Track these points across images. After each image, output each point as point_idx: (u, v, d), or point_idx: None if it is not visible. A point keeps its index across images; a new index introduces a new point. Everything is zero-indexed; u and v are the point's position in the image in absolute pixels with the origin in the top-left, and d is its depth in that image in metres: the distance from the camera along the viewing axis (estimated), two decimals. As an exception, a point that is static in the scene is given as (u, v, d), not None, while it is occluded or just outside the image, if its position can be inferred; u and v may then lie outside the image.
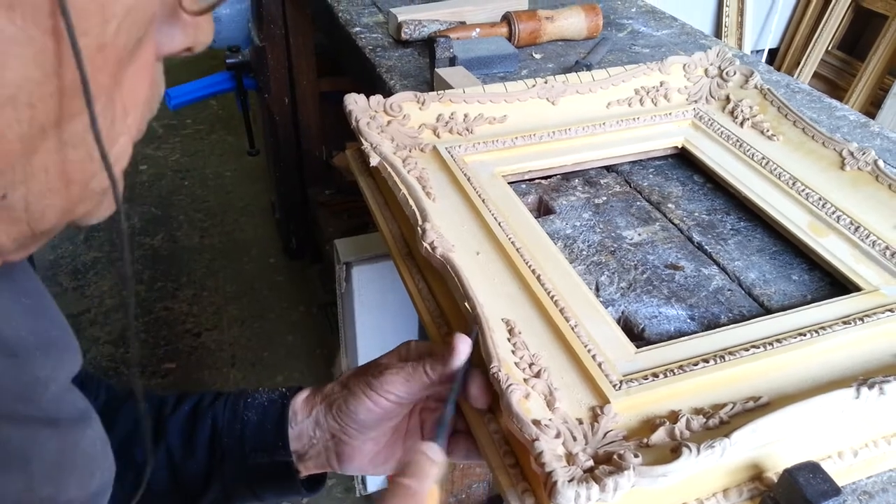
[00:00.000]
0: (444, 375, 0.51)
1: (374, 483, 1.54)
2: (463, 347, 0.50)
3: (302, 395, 0.58)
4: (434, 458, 0.45)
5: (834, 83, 2.66)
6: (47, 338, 0.38)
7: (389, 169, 0.67)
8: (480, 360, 0.50)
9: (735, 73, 0.83)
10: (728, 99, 0.82)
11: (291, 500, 0.62)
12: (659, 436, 0.45)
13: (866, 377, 0.47)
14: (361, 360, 1.30)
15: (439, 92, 0.77)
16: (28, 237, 0.31)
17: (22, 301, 0.37)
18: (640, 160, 0.81)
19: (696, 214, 0.73)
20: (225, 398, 0.60)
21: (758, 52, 2.77)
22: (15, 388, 0.36)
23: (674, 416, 0.46)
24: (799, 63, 2.70)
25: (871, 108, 2.48)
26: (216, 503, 0.59)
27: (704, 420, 0.46)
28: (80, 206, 0.32)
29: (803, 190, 0.69)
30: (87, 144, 0.30)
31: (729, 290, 0.63)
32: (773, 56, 2.85)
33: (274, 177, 2.27)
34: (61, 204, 0.31)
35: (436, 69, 0.96)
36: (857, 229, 0.64)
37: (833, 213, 0.66)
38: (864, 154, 0.70)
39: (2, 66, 0.25)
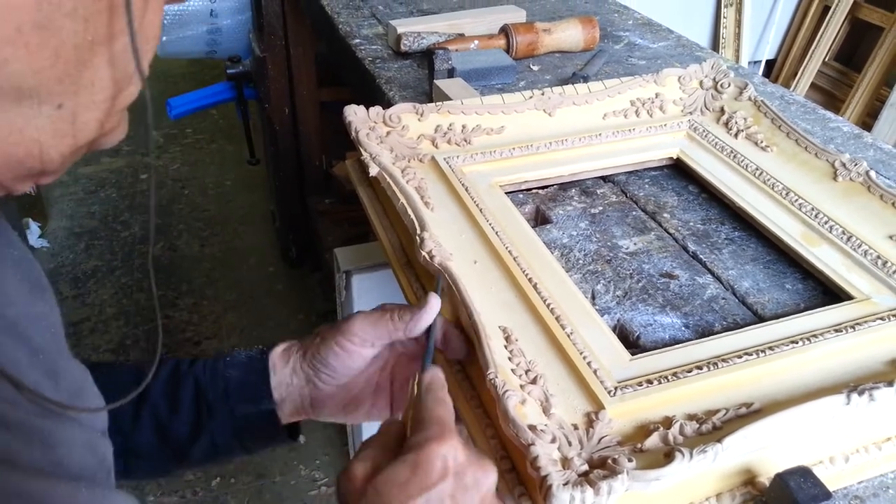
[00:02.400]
0: (410, 326, 0.55)
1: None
2: (433, 303, 0.55)
3: (279, 348, 0.61)
4: (441, 375, 0.50)
5: (831, 94, 2.68)
6: (39, 282, 0.46)
7: (388, 179, 0.68)
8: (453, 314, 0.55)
9: (729, 86, 0.85)
10: (722, 111, 0.83)
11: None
12: (653, 441, 0.45)
13: (857, 384, 0.48)
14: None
15: (438, 103, 0.78)
16: (71, 152, 0.36)
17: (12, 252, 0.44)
18: (636, 171, 0.82)
19: (691, 224, 0.74)
20: (202, 362, 0.62)
21: (755, 63, 2.80)
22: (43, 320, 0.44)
23: (667, 422, 0.47)
24: (796, 74, 2.72)
25: (868, 118, 2.50)
26: (204, 458, 0.61)
27: (697, 426, 0.47)
28: (108, 121, 0.37)
29: (796, 200, 0.70)
30: (121, 63, 0.35)
31: (723, 298, 0.64)
32: (770, 67, 2.87)
33: (274, 186, 2.28)
34: (99, 117, 0.36)
35: (434, 80, 0.98)
36: (849, 239, 0.65)
37: (826, 223, 0.67)
38: (856, 165, 0.71)
39: None
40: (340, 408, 0.61)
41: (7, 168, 0.34)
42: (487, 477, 0.43)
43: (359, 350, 0.57)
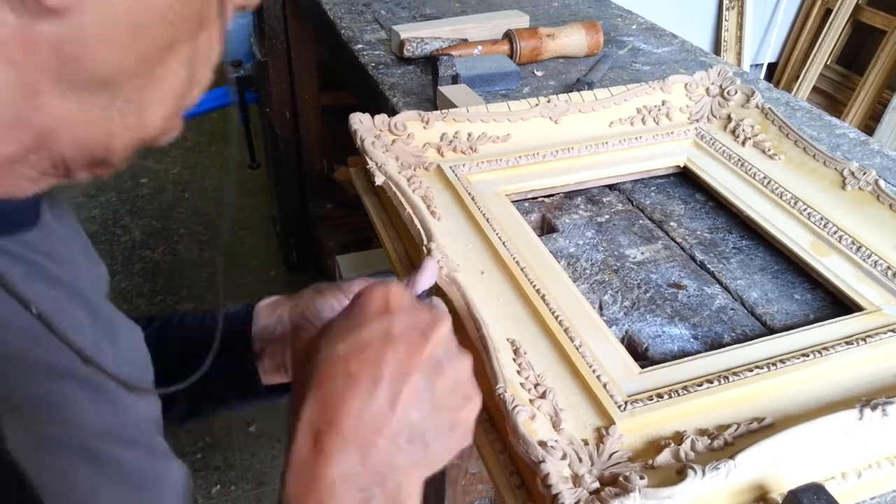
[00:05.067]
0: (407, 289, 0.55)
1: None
2: (430, 267, 0.56)
3: (267, 300, 0.62)
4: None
5: (833, 97, 2.67)
6: (89, 246, 0.48)
7: (394, 188, 0.67)
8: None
9: (736, 93, 0.84)
10: (729, 118, 0.83)
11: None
12: (664, 457, 0.45)
13: (869, 398, 0.47)
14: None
15: (443, 111, 0.77)
16: (133, 145, 0.37)
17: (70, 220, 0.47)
18: (643, 179, 0.82)
19: (699, 233, 0.73)
20: (192, 316, 0.64)
21: (757, 66, 2.79)
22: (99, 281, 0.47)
23: (679, 438, 0.46)
24: (798, 77, 2.72)
25: (870, 121, 2.49)
26: (180, 417, 0.62)
27: (709, 441, 0.46)
28: (171, 121, 0.38)
29: (805, 209, 0.69)
30: (192, 65, 0.36)
31: (732, 309, 0.63)
32: (772, 70, 2.87)
33: (275, 190, 2.28)
34: (164, 114, 0.37)
35: (439, 87, 0.97)
36: (858, 249, 0.64)
37: (835, 232, 0.66)
38: (864, 174, 0.70)
39: None
40: None
41: (74, 150, 0.35)
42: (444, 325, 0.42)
43: None
